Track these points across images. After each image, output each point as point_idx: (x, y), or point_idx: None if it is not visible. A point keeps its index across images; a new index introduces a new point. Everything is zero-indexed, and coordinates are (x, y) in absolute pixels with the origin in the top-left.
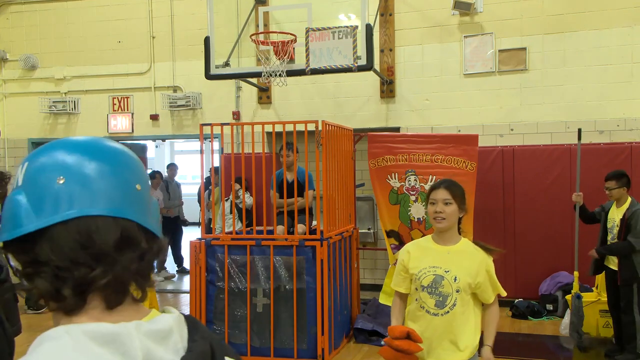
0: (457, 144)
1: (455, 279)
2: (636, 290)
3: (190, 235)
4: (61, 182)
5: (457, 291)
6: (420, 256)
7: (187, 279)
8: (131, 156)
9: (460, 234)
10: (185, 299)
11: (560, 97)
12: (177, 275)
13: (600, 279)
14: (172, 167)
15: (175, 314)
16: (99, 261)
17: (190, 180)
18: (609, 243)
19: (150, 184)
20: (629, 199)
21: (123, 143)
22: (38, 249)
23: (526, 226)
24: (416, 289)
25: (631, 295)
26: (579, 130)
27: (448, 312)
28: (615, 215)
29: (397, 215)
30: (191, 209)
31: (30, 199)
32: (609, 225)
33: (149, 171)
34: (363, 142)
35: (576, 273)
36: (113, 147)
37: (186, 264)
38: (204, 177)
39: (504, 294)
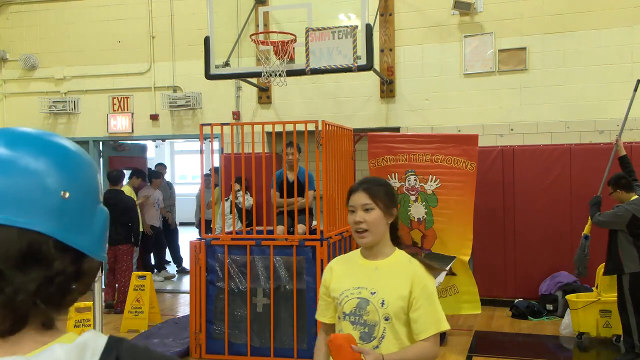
0: (457, 144)
1: (382, 303)
2: (625, 283)
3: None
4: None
5: (386, 319)
6: (343, 274)
7: (187, 279)
8: (64, 153)
9: (399, 244)
10: (185, 299)
11: (560, 97)
12: (177, 275)
13: (601, 279)
14: (160, 167)
15: (77, 341)
16: None
17: (190, 180)
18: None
19: (101, 193)
20: (632, 198)
21: (123, 143)
22: None
23: (526, 226)
24: (339, 318)
25: (622, 290)
26: (638, 81)
27: (377, 346)
28: None
29: None
30: (188, 209)
31: None
32: None
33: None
34: (363, 142)
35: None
36: (40, 139)
37: (186, 264)
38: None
39: (444, 328)
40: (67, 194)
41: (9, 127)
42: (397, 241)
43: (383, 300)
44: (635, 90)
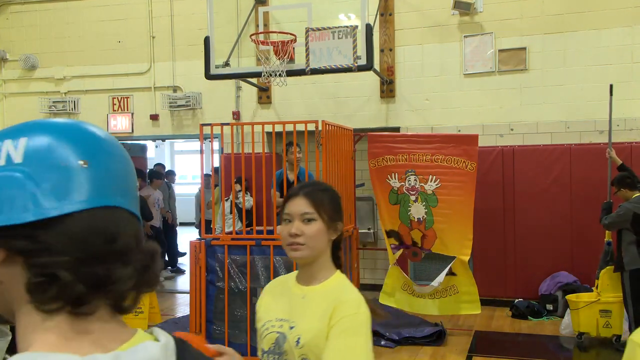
0: (457, 144)
1: (297, 342)
2: (626, 280)
3: (187, 236)
4: (85, 166)
5: None
6: (271, 301)
7: (181, 279)
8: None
9: (340, 265)
10: (185, 299)
11: (560, 97)
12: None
13: (601, 279)
14: (159, 167)
15: (163, 340)
16: (122, 260)
17: (190, 180)
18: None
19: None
20: (635, 195)
21: (123, 143)
22: (53, 236)
23: (526, 226)
24: (260, 356)
25: (624, 287)
26: (611, 87)
27: None
28: None
29: (397, 215)
30: (188, 209)
31: (39, 180)
32: None
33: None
34: (363, 142)
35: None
36: (108, 135)
37: (182, 264)
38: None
39: None
40: (138, 185)
41: (81, 123)
42: (338, 262)
43: (299, 338)
44: (611, 94)
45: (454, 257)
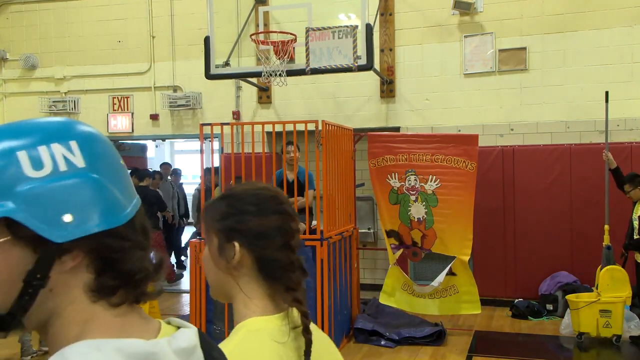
0: (457, 144)
1: None
2: None
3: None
4: (124, 166)
5: None
6: None
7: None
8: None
9: (245, 309)
10: (185, 298)
11: (560, 97)
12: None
13: (601, 279)
14: (165, 167)
15: (193, 328)
16: (149, 250)
17: (190, 180)
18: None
19: None
20: None
21: (123, 143)
22: (131, 233)
23: (526, 226)
24: None
25: None
26: (607, 93)
27: None
28: (636, 211)
29: (397, 215)
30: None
31: (112, 181)
32: (634, 224)
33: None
34: (363, 142)
35: (606, 227)
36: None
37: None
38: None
39: None
40: None
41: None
42: (287, 300)
43: None
44: (607, 101)
45: (454, 257)
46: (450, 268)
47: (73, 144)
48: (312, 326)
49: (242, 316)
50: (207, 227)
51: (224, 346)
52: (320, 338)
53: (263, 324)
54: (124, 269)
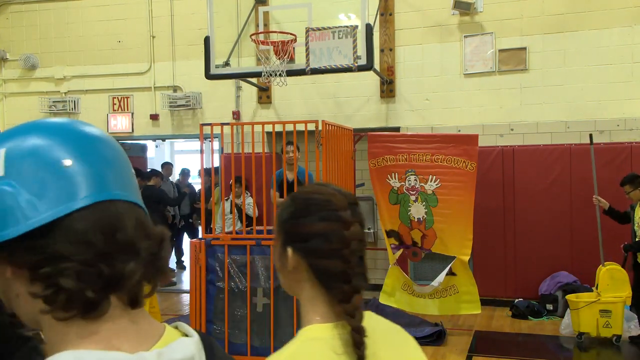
0: (457, 144)
1: None
2: None
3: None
4: (68, 164)
5: None
6: None
7: (186, 279)
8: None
9: (307, 314)
10: (185, 298)
11: (560, 97)
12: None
13: (601, 279)
14: (167, 167)
15: (195, 336)
16: (128, 252)
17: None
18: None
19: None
20: None
21: (123, 143)
22: (53, 243)
23: (526, 226)
24: None
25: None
26: (590, 136)
27: None
28: (637, 214)
29: (397, 215)
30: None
31: (26, 187)
32: (635, 226)
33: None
34: (363, 142)
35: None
36: (98, 130)
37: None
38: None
39: None
40: (133, 172)
41: (56, 120)
42: (339, 312)
43: None
44: (591, 144)
45: (454, 257)
46: (451, 268)
47: (1, 152)
48: (391, 329)
49: (304, 322)
50: (275, 227)
51: (280, 354)
52: (394, 343)
53: (322, 333)
54: (58, 283)
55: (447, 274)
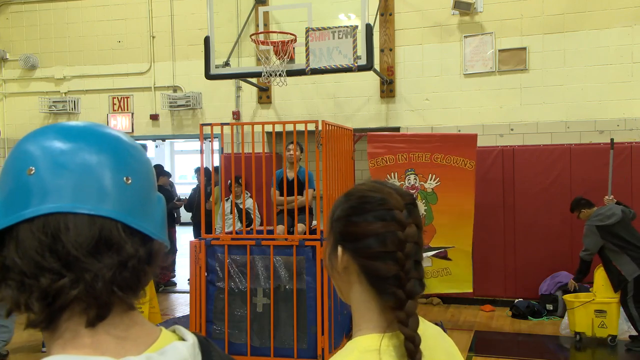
0: (456, 144)
1: None
2: (630, 290)
3: (186, 236)
4: (31, 172)
5: None
6: None
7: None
8: (122, 143)
9: (360, 320)
10: (185, 298)
11: (560, 97)
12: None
13: (596, 279)
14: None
15: (190, 340)
16: (69, 268)
17: (190, 180)
18: None
19: (155, 180)
20: (593, 210)
21: None
22: (5, 251)
23: (526, 226)
24: None
25: (625, 294)
26: (612, 140)
27: None
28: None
29: None
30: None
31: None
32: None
33: None
34: (363, 142)
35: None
36: (97, 131)
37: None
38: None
39: None
40: (130, 180)
41: (63, 122)
42: (392, 319)
43: None
44: (612, 148)
45: (451, 247)
46: (446, 254)
47: None
48: (438, 333)
49: (357, 328)
50: (326, 225)
51: None
52: (444, 348)
53: (377, 343)
54: (1, 291)
55: (442, 258)
